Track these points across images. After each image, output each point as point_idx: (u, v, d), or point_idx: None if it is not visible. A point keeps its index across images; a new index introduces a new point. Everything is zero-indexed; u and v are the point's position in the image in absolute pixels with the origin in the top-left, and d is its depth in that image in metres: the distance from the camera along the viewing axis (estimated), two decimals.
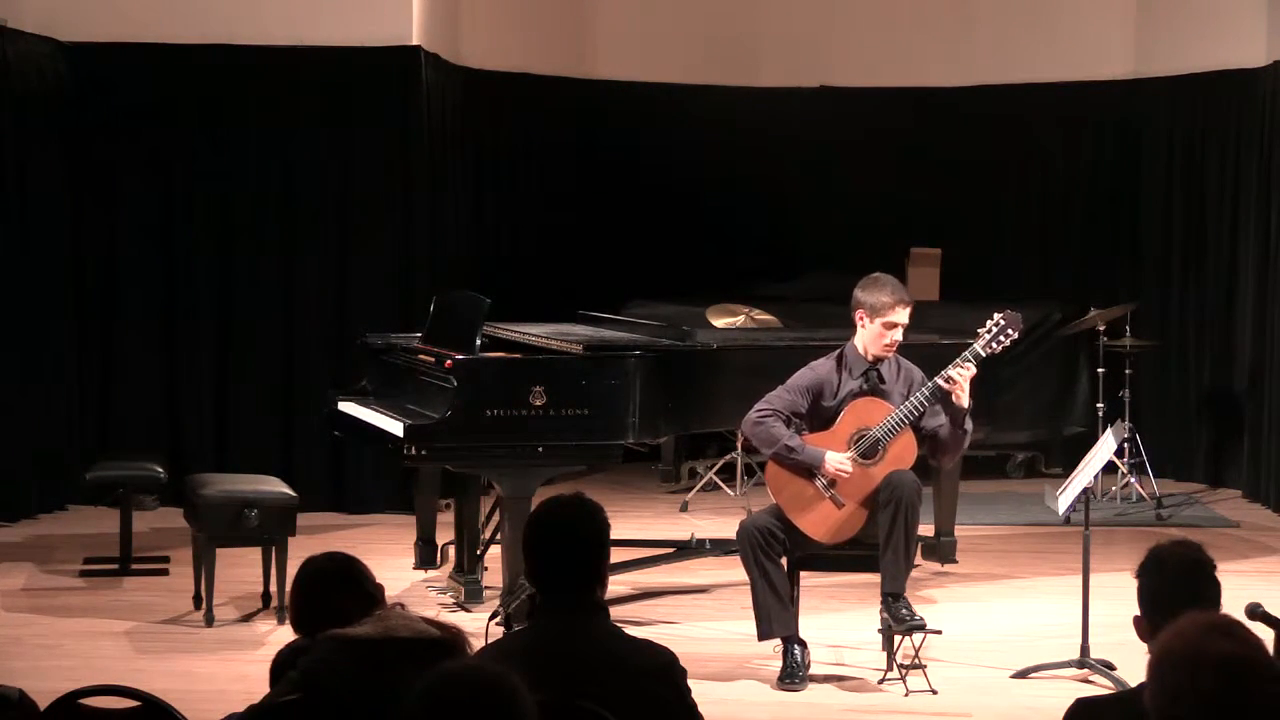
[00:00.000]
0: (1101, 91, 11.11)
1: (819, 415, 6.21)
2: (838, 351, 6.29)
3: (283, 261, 9.58)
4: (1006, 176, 11.61)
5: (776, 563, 6.07)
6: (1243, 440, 10.25)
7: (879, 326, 6.17)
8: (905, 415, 6.07)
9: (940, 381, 6.05)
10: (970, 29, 11.49)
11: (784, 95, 11.53)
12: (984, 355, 6.11)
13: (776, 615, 6.03)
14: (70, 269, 9.47)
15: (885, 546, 6.01)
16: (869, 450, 6.11)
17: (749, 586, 6.10)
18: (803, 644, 6.08)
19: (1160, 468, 10.00)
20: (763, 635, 6.08)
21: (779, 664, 6.07)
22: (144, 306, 9.60)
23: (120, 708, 3.57)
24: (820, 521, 6.11)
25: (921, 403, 6.07)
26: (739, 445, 9.85)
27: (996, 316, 6.14)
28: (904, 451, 6.14)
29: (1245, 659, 2.55)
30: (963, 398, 6.07)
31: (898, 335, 6.20)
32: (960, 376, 6.04)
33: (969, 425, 6.18)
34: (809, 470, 6.09)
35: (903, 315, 6.19)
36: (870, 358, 6.21)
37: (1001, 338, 6.12)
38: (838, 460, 6.06)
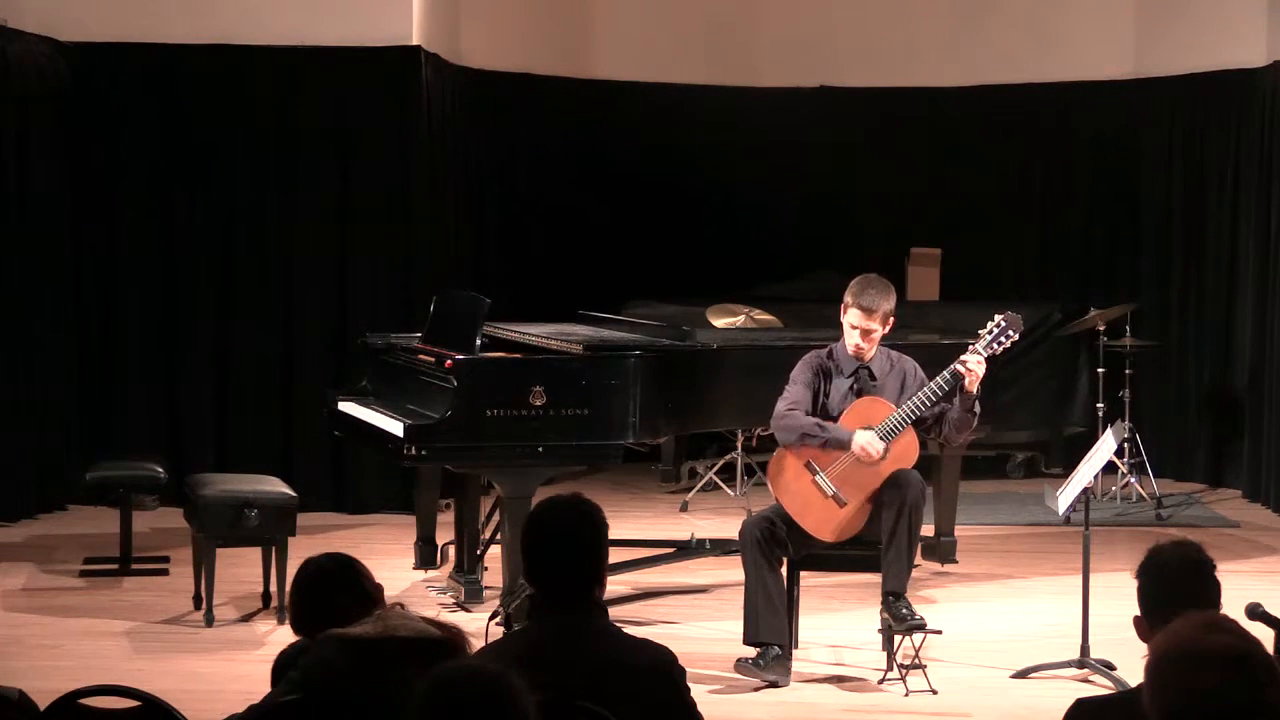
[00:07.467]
0: (1101, 91, 11.10)
1: (821, 413, 6.21)
2: (827, 349, 6.30)
3: (283, 261, 9.58)
4: (1006, 176, 11.59)
5: (774, 568, 6.05)
6: (1243, 440, 10.24)
7: (846, 325, 6.17)
8: (907, 414, 6.06)
9: (958, 367, 5.97)
10: (970, 29, 11.48)
11: (784, 95, 11.52)
12: (985, 356, 6.08)
13: (765, 621, 6.01)
14: (70, 269, 9.47)
15: (889, 545, 6.01)
16: None
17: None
18: (783, 647, 6.06)
19: (1160, 468, 10.00)
20: (748, 638, 6.06)
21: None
22: (144, 307, 9.59)
23: (120, 708, 3.57)
24: (823, 521, 6.10)
25: (924, 401, 6.05)
26: (739, 445, 9.86)
27: (997, 318, 6.11)
28: (906, 450, 6.13)
29: (1244, 652, 2.55)
30: (974, 387, 6.03)
31: (858, 340, 6.12)
32: (976, 367, 5.99)
33: (978, 408, 6.15)
34: (811, 466, 6.08)
35: (860, 319, 6.10)
36: (854, 356, 6.20)
37: (1003, 339, 6.10)
38: (866, 438, 6.04)
